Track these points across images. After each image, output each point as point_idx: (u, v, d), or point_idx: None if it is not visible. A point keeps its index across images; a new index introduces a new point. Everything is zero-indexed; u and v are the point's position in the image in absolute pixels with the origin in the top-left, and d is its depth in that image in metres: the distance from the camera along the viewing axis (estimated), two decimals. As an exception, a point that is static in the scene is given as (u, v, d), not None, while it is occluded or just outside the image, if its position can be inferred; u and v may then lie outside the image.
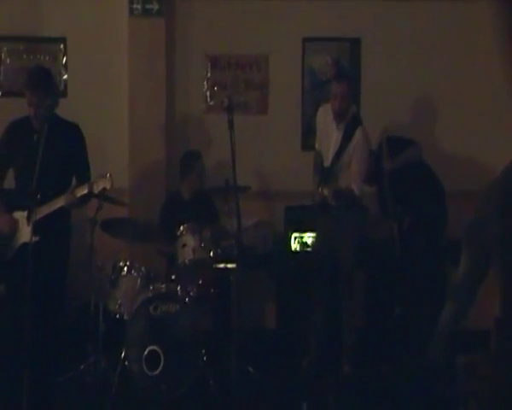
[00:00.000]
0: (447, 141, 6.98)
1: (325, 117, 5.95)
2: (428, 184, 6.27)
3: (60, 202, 5.04)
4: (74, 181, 5.30)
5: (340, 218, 5.79)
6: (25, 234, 4.98)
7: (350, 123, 5.79)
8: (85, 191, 5.05)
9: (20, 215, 5.12)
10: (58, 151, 5.09)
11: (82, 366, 5.68)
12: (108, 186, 5.07)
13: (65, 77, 7.00)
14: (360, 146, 5.74)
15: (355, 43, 7.07)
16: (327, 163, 5.83)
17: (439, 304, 5.78)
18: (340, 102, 5.74)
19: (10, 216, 5.18)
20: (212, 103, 7.12)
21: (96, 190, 5.07)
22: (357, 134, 5.75)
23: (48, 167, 4.82)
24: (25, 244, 4.89)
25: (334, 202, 5.61)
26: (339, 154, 5.75)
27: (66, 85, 7.00)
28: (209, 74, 7.11)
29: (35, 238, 4.66)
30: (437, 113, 7.02)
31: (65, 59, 7.02)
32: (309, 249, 6.40)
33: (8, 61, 6.95)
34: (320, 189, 5.57)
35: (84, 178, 5.23)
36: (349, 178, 5.71)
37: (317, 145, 6.11)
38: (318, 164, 5.96)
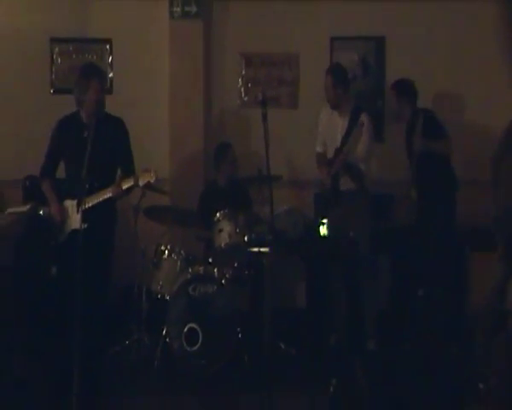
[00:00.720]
0: (470, 136, 6.82)
1: (328, 115, 5.98)
2: (446, 174, 6.16)
3: (107, 193, 5.05)
4: (119, 171, 5.29)
5: (351, 203, 5.76)
6: (74, 221, 5.00)
7: (354, 109, 5.77)
8: (131, 184, 5.04)
9: (70, 203, 5.14)
10: (105, 144, 5.08)
11: (127, 343, 5.68)
12: (152, 180, 5.05)
13: (110, 75, 6.99)
14: (366, 129, 5.72)
15: (380, 42, 6.98)
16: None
17: (458, 287, 5.76)
18: (330, 92, 5.85)
19: (61, 204, 5.19)
20: (246, 99, 7.08)
21: (141, 183, 5.05)
22: (362, 118, 5.74)
23: (95, 159, 4.82)
24: (75, 230, 4.92)
25: (342, 173, 5.70)
26: (347, 136, 5.72)
27: (111, 83, 6.99)
28: (243, 72, 7.06)
29: (84, 225, 4.66)
30: (460, 109, 6.89)
31: (110, 58, 7.01)
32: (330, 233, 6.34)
33: (59, 60, 6.96)
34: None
35: (128, 169, 5.23)
36: (356, 158, 5.73)
37: (317, 148, 6.09)
38: (322, 161, 5.96)
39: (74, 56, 6.97)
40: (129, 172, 5.19)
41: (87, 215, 4.69)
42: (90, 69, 5.28)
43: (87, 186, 4.63)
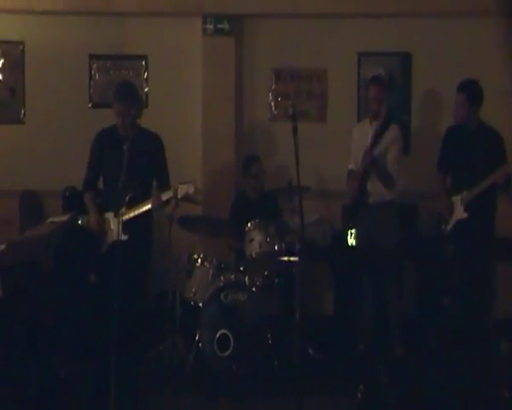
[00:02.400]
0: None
1: (361, 132, 6.00)
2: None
3: (147, 206, 5.10)
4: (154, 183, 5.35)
5: (378, 213, 5.77)
6: (115, 233, 5.00)
7: (384, 120, 5.78)
8: (170, 196, 5.09)
9: (111, 215, 5.21)
10: (141, 158, 5.13)
11: (161, 348, 5.72)
12: (191, 191, 5.08)
13: (146, 90, 7.08)
14: (396, 139, 5.78)
15: (406, 58, 6.97)
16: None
17: (483, 296, 5.71)
18: (375, 102, 5.80)
19: (102, 216, 5.26)
20: (276, 112, 7.12)
21: (180, 194, 5.08)
22: (392, 128, 5.79)
23: (132, 172, 4.87)
24: (115, 241, 4.93)
25: (372, 169, 5.71)
26: (376, 137, 5.74)
27: (147, 98, 7.08)
28: (274, 86, 7.11)
29: (124, 237, 4.72)
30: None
31: (146, 74, 7.09)
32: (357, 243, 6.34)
33: (97, 76, 7.05)
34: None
35: (164, 182, 5.27)
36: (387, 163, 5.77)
37: (350, 165, 6.07)
38: (350, 182, 5.98)
39: (112, 72, 7.07)
40: (164, 185, 5.24)
41: (127, 227, 4.76)
42: (116, 91, 5.35)
43: (127, 199, 4.68)
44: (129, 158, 4.79)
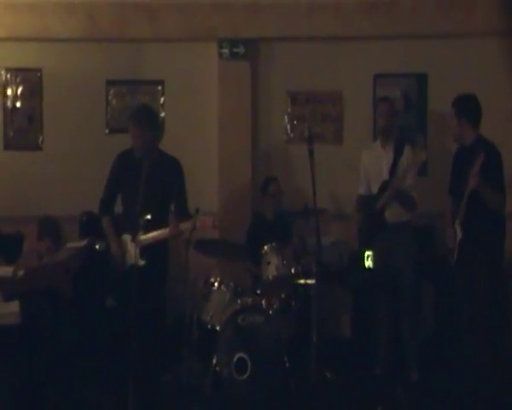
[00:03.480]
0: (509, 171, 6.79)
1: (372, 155, 6.10)
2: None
3: (165, 234, 5.21)
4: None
5: (395, 233, 5.84)
6: (132, 256, 5.12)
7: (398, 142, 5.87)
8: (189, 226, 5.18)
9: (128, 238, 5.30)
10: (160, 181, 5.25)
11: (178, 370, 5.79)
12: (209, 225, 5.17)
13: (162, 115, 7.21)
14: (412, 160, 5.82)
15: (422, 78, 7.08)
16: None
17: (501, 318, 5.72)
18: (386, 119, 5.91)
19: (119, 239, 5.36)
20: (292, 135, 7.23)
21: (199, 225, 5.16)
22: (407, 150, 5.86)
23: (149, 196, 5.00)
24: (132, 265, 5.04)
25: (396, 201, 5.76)
26: (394, 168, 5.81)
27: (163, 122, 7.19)
28: (289, 109, 7.22)
29: (141, 262, 4.85)
30: (501, 147, 6.91)
31: (162, 99, 7.24)
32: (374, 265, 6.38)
33: (114, 102, 7.20)
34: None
35: (182, 207, 5.35)
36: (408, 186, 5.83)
37: (360, 189, 6.16)
38: (363, 205, 6.05)
39: (128, 98, 7.20)
40: (182, 210, 5.32)
41: (144, 251, 4.87)
42: (131, 113, 5.49)
43: (142, 223, 4.79)
44: (145, 182, 4.94)
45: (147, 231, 5.03)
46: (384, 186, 5.86)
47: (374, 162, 6.05)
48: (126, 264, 5.28)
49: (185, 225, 5.19)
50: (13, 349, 4.68)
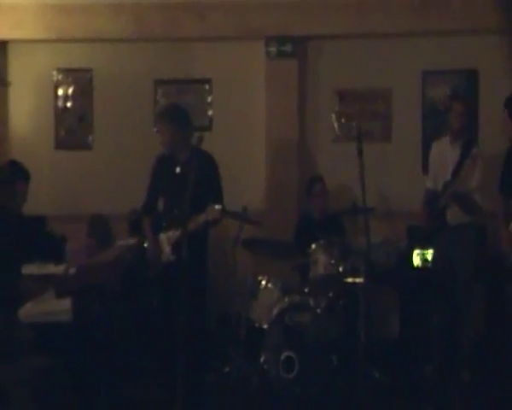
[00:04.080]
0: None
1: (439, 149, 5.95)
2: None
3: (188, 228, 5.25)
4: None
5: (457, 235, 5.76)
6: (167, 254, 5.25)
7: (466, 142, 5.77)
8: (203, 218, 5.14)
9: (165, 237, 5.35)
10: (195, 179, 5.31)
11: (226, 369, 5.85)
12: (216, 216, 5.10)
13: (210, 113, 7.28)
14: (479, 162, 5.70)
15: (472, 75, 6.99)
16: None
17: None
18: (459, 119, 5.75)
19: (157, 239, 5.40)
20: (339, 133, 7.22)
21: (211, 217, 5.12)
22: (475, 152, 5.71)
23: (186, 193, 5.07)
24: (168, 263, 5.15)
25: (453, 203, 5.61)
26: (458, 168, 5.71)
27: (211, 121, 7.28)
28: (337, 107, 7.21)
29: (171, 257, 4.94)
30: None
31: (210, 98, 7.30)
32: (429, 265, 6.33)
33: (162, 101, 7.26)
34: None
35: (216, 202, 5.25)
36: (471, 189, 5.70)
37: (428, 183, 6.03)
38: (428, 200, 5.91)
39: (176, 97, 7.26)
40: (217, 203, 5.29)
41: (178, 248, 4.92)
42: (158, 113, 5.57)
43: (173, 220, 4.86)
44: (181, 180, 5.03)
45: (177, 228, 5.11)
46: (446, 186, 5.75)
47: (440, 158, 5.91)
48: (161, 264, 5.33)
49: (200, 218, 5.14)
50: (65, 347, 4.76)
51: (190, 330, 4.81)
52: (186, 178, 5.03)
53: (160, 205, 5.56)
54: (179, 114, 5.52)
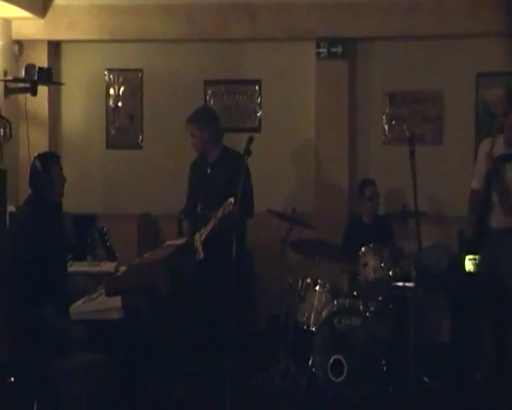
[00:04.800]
0: None
1: (489, 146, 5.79)
2: None
3: (211, 226, 5.26)
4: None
5: (503, 241, 5.65)
6: (199, 252, 5.37)
7: None
8: (219, 215, 5.13)
9: (198, 236, 5.44)
10: (224, 178, 5.36)
11: (273, 370, 5.83)
12: (230, 208, 4.98)
13: (259, 114, 7.29)
14: None
15: (526, 77, 6.89)
16: None
17: None
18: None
19: (192, 239, 5.49)
20: (389, 136, 7.17)
21: (226, 210, 5.06)
22: None
23: (214, 194, 5.11)
24: (200, 261, 5.29)
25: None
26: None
27: (260, 122, 7.28)
28: (387, 109, 7.16)
29: (200, 256, 5.10)
30: None
31: (259, 99, 7.30)
32: (478, 270, 6.22)
33: (211, 101, 7.31)
34: None
35: (243, 201, 5.06)
36: None
37: (474, 184, 5.82)
38: (473, 202, 5.75)
39: (225, 97, 7.31)
40: (244, 204, 5.17)
41: (208, 247, 5.07)
42: (188, 117, 5.59)
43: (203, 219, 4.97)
44: (211, 181, 5.20)
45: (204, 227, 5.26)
46: None
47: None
48: (195, 263, 5.41)
49: (218, 213, 5.15)
50: (115, 344, 4.80)
51: (232, 330, 4.83)
52: (215, 179, 5.11)
53: (199, 207, 5.67)
54: (206, 116, 5.63)
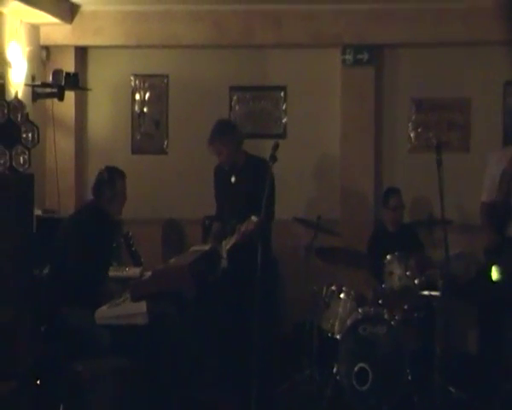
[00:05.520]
0: None
1: (501, 158, 5.73)
2: None
3: (236, 238, 5.32)
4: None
5: None
6: (224, 260, 5.38)
7: None
8: (242, 229, 5.21)
9: (224, 243, 5.48)
10: (248, 185, 5.38)
11: (298, 378, 5.81)
12: (251, 227, 5.08)
13: (284, 121, 7.29)
14: None
15: (555, 85, 6.83)
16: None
17: None
18: None
19: (218, 245, 5.51)
20: (416, 143, 7.14)
21: (248, 228, 5.13)
22: None
23: (238, 201, 5.13)
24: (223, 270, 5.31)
25: None
26: None
27: (285, 128, 7.28)
28: (414, 116, 7.13)
29: (224, 263, 5.13)
30: None
31: (285, 105, 7.30)
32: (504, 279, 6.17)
33: (236, 107, 7.32)
34: None
35: (266, 210, 5.02)
36: None
37: (483, 197, 5.82)
38: (487, 215, 5.75)
39: (251, 103, 7.32)
40: (265, 213, 5.23)
41: (233, 256, 5.10)
42: (211, 136, 5.64)
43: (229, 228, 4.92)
44: (235, 188, 5.26)
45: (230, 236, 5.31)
46: None
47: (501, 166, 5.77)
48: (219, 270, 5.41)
49: (241, 227, 5.22)
50: (140, 349, 4.82)
51: (257, 337, 4.83)
52: (240, 186, 5.12)
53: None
54: (225, 129, 5.70)
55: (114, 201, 5.15)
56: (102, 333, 4.78)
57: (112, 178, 5.15)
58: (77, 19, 7.07)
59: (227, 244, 5.39)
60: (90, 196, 5.50)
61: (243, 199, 5.36)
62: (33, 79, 6.79)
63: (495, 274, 6.23)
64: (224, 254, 5.38)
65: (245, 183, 5.45)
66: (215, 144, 5.61)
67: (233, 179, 5.58)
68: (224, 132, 5.62)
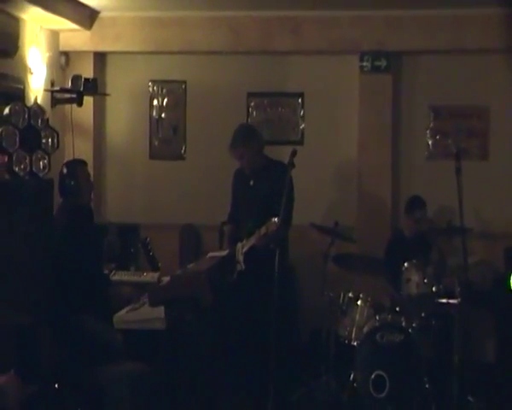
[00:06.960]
0: None
1: None
2: None
3: (253, 240, 5.31)
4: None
5: None
6: (240, 263, 5.42)
7: None
8: (262, 232, 5.19)
9: (240, 246, 5.49)
10: (266, 189, 5.40)
11: (314, 385, 5.80)
12: (274, 228, 5.02)
13: (302, 127, 7.30)
14: None
15: None
16: None
17: None
18: None
19: (234, 249, 5.52)
20: (433, 151, 7.12)
21: (269, 230, 5.10)
22: None
23: (255, 205, 5.15)
24: (239, 272, 5.34)
25: None
26: None
27: (302, 135, 7.29)
28: (432, 124, 7.12)
29: (241, 266, 5.16)
30: None
31: (302, 111, 7.31)
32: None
33: (254, 114, 7.34)
34: None
35: (282, 213, 5.01)
36: None
37: None
38: None
39: (268, 110, 7.33)
40: (282, 216, 5.11)
41: (250, 259, 5.13)
42: (232, 141, 5.66)
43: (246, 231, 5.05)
44: (253, 192, 5.30)
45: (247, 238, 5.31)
46: None
47: None
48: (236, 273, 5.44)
49: (261, 230, 5.21)
50: (158, 354, 4.84)
51: (274, 344, 4.84)
52: (258, 189, 5.13)
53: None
54: (247, 133, 5.71)
55: (81, 190, 5.15)
56: (116, 337, 4.80)
57: (71, 169, 5.17)
58: (96, 25, 7.12)
59: (244, 246, 5.38)
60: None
61: (261, 202, 5.37)
62: (52, 84, 6.84)
63: (512, 283, 6.23)
64: (241, 257, 5.38)
65: (264, 186, 5.46)
66: (238, 149, 5.62)
67: (251, 182, 5.59)
68: (247, 137, 5.64)
